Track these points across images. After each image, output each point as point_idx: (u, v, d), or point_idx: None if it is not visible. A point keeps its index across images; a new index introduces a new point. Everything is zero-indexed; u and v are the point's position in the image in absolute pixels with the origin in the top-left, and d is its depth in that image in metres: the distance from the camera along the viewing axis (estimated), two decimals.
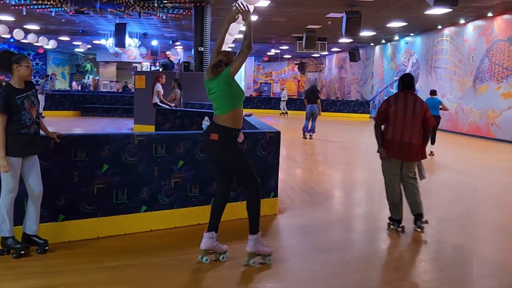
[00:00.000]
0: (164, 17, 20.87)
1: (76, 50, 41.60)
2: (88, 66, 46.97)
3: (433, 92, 14.67)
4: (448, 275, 5.18)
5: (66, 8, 17.29)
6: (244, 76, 44.63)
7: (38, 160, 5.33)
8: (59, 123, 19.37)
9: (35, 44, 28.37)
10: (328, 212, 7.81)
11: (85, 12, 18.17)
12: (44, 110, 22.88)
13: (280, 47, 35.32)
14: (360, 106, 32.55)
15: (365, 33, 26.01)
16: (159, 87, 13.57)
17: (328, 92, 41.73)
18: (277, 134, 7.33)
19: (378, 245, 6.26)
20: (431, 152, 14.32)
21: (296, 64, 44.04)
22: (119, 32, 23.70)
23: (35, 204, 5.26)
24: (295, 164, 12.33)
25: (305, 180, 10.17)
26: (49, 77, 27.68)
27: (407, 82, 6.64)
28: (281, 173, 8.39)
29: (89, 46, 37.08)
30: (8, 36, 26.12)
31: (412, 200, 6.60)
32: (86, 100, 25.47)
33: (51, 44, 29.46)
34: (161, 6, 18.28)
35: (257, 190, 5.19)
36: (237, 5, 5.30)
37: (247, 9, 5.24)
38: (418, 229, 6.60)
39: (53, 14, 21.31)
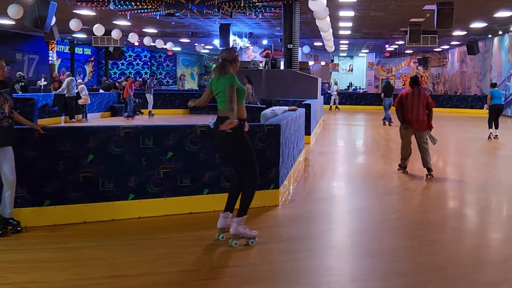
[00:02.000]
0: (260, 16, 21.34)
1: (202, 51, 43.32)
2: (214, 66, 48.71)
3: (493, 85, 17.00)
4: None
5: (159, 11, 18.23)
6: (365, 73, 44.12)
7: (12, 151, 5.88)
8: (165, 120, 20.52)
9: (154, 45, 29.90)
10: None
11: (175, 15, 19.00)
12: (153, 108, 24.11)
13: (396, 42, 34.52)
14: (478, 101, 31.03)
15: (476, 25, 24.81)
16: None
17: (450, 87, 40.10)
18: (277, 127, 7.45)
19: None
20: (496, 135, 16.36)
21: (418, 59, 42.73)
22: (224, 33, 24.54)
23: (10, 190, 5.83)
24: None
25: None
26: (155, 76, 29.05)
27: (414, 81, 10.10)
28: None
29: (210, 46, 38.42)
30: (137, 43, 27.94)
31: (423, 158, 9.79)
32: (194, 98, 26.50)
33: (168, 46, 31.03)
34: (250, 5, 18.70)
35: (255, 180, 5.67)
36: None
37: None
38: (429, 176, 9.68)
39: (158, 18, 22.49)
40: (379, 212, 7.33)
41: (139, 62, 47.09)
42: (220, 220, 5.85)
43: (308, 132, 14.63)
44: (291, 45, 18.81)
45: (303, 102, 14.97)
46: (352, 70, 46.67)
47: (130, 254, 5.34)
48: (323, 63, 42.72)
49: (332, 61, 43.99)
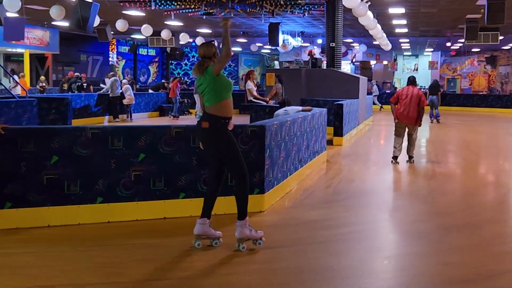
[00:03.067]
0: (307, 15, 20.90)
1: (262, 51, 43.11)
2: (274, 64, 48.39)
3: None
4: None
5: (194, 8, 18.09)
6: (429, 72, 42.73)
7: None
8: None
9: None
10: None
11: (213, 14, 18.81)
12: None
13: (459, 40, 33.15)
14: None
15: None
16: (249, 85, 13.64)
17: None
18: (261, 128, 7.04)
19: None
20: None
21: (486, 57, 40.93)
22: (272, 31, 24.16)
23: None
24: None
25: None
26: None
27: (411, 81, 11.29)
28: None
29: (268, 46, 38.09)
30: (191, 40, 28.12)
31: (408, 147, 11.30)
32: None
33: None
34: (292, 3, 18.28)
35: (245, 175, 5.46)
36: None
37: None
38: (409, 162, 11.25)
39: (204, 18, 22.40)
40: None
41: None
42: (197, 227, 5.58)
43: (339, 133, 14.11)
44: (334, 44, 18.25)
45: (335, 102, 14.44)
46: (417, 70, 45.27)
47: (70, 262, 5.08)
48: (385, 62, 41.67)
49: (395, 60, 42.81)
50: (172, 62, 44.13)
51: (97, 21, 18.40)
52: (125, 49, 39.36)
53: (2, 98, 13.91)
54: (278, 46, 24.35)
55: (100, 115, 19.82)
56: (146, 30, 22.63)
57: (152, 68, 45.29)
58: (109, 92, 20.09)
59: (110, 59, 36.11)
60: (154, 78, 44.50)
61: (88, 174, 6.32)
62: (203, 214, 5.63)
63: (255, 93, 13.59)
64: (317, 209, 7.43)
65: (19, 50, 29.16)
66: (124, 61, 42.58)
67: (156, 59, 45.22)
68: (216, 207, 5.84)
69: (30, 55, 29.84)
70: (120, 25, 21.17)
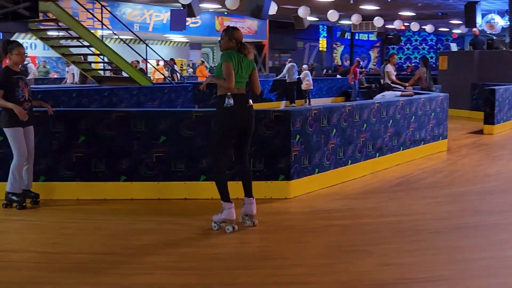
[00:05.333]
0: None
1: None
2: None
3: None
4: None
5: None
6: None
7: (33, 129, 6.56)
8: None
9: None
10: None
11: None
12: None
13: None
14: None
15: None
16: (388, 68, 12.97)
17: None
18: (286, 113, 6.90)
19: None
20: None
21: None
22: (469, 11, 22.56)
23: (29, 164, 6.50)
24: None
25: None
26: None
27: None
28: None
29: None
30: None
31: None
32: None
33: (428, 29, 29.66)
34: None
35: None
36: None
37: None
38: None
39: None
40: None
41: (424, 47, 45.79)
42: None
43: (490, 121, 12.87)
44: None
45: (486, 87, 13.18)
46: None
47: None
48: None
49: None
50: (394, 46, 43.20)
51: (273, 8, 19.04)
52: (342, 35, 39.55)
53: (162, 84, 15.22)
54: (475, 26, 22.56)
55: (276, 100, 20.44)
56: (332, 15, 22.68)
57: (373, 53, 44.97)
58: (286, 77, 20.60)
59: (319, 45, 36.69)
60: (374, 63, 44.13)
61: (113, 154, 6.81)
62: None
63: (393, 77, 12.92)
64: (350, 200, 7.04)
65: None
66: (342, 47, 42.98)
67: (378, 44, 44.75)
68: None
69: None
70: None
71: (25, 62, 22.02)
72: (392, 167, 8.82)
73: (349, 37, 39.96)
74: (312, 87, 20.93)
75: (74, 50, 14.52)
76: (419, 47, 45.53)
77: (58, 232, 5.61)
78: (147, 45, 14.77)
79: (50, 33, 14.67)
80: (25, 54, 6.79)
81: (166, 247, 5.14)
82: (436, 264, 4.64)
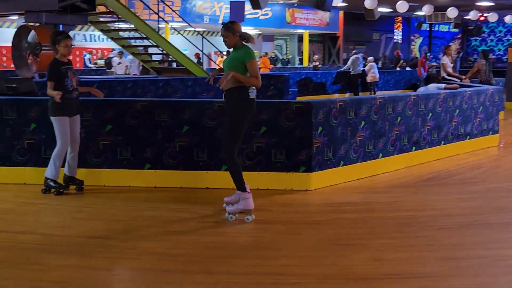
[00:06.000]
0: None
1: None
2: None
3: None
4: None
5: None
6: None
7: (79, 118, 6.79)
8: None
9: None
10: None
11: None
12: None
13: None
14: None
15: None
16: (444, 60, 12.56)
17: None
18: (307, 105, 6.86)
19: None
20: None
21: None
22: None
23: (75, 152, 6.74)
24: None
25: None
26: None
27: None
28: None
29: None
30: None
31: None
32: None
33: (508, 19, 28.47)
34: None
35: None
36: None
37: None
38: None
39: None
40: None
41: (509, 38, 43.90)
42: None
43: None
44: None
45: None
46: None
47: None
48: None
49: None
50: (476, 38, 41.69)
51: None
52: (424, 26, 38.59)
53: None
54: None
55: (340, 92, 20.23)
56: (401, 6, 22.19)
57: (454, 45, 43.60)
58: (351, 69, 20.34)
59: (395, 36, 35.97)
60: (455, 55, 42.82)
61: (137, 143, 7.00)
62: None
63: (449, 69, 12.51)
64: (371, 193, 6.93)
65: (299, 31, 31.06)
66: (421, 38, 42.02)
67: (459, 36, 43.39)
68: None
69: (315, 35, 31.61)
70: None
71: (111, 55, 23.04)
72: (431, 162, 8.59)
73: (427, 29, 38.92)
74: (378, 80, 20.57)
75: (134, 42, 14.92)
76: (503, 38, 43.68)
77: (71, 217, 5.85)
78: (203, 36, 14.97)
79: (110, 25, 15.15)
80: (72, 46, 6.90)
81: (166, 234, 5.25)
82: (427, 261, 4.52)
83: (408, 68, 24.47)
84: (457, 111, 9.14)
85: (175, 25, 20.47)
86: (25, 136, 7.09)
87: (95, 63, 23.78)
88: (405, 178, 7.65)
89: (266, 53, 26.91)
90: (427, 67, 21.11)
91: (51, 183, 6.62)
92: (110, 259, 4.56)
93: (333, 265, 4.50)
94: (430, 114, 8.59)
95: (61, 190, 6.64)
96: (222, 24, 5.81)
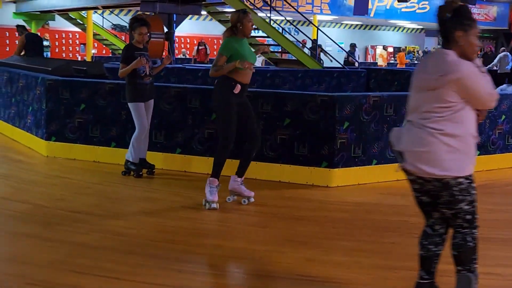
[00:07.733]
0: None
1: None
2: None
3: None
4: None
5: None
6: None
7: (153, 104, 7.06)
8: None
9: None
10: None
11: None
12: None
13: None
14: None
15: None
16: None
17: None
18: (333, 98, 6.60)
19: None
20: None
21: None
22: None
23: (146, 135, 7.03)
24: None
25: None
26: None
27: None
28: None
29: None
30: None
31: None
32: None
33: None
34: None
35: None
36: None
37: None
38: None
39: None
40: None
41: None
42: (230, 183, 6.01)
43: None
44: None
45: None
46: None
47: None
48: None
49: None
50: None
51: None
52: None
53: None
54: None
55: None
56: None
57: None
58: (497, 68, 18.91)
59: None
60: None
61: (169, 127, 7.23)
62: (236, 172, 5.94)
63: None
64: (394, 195, 6.47)
65: None
66: None
67: None
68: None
69: (486, 30, 29.73)
70: None
71: None
72: (500, 169, 7.78)
73: None
74: None
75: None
76: None
77: (75, 192, 6.18)
78: (318, 28, 14.83)
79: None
80: (147, 34, 7.05)
81: (146, 215, 5.38)
82: (365, 269, 4.19)
83: None
84: None
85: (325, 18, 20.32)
86: (75, 115, 7.61)
87: None
88: None
89: (400, 49, 25.90)
90: None
91: (132, 166, 6.92)
92: (68, 233, 4.74)
93: (270, 261, 4.30)
94: (503, 117, 7.80)
95: (141, 173, 6.91)
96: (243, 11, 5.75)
